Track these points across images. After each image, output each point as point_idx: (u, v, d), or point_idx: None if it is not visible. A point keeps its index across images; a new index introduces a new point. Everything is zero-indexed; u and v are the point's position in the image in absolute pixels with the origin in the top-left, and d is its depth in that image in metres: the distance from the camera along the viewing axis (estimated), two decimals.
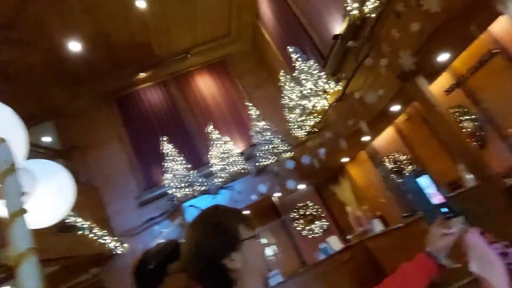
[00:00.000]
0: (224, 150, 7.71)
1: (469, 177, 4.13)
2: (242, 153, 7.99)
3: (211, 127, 7.78)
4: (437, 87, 4.76)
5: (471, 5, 3.08)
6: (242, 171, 7.64)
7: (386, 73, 3.99)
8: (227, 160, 7.66)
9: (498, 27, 3.76)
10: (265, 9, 7.98)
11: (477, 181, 3.83)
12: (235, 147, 7.96)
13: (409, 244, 5.10)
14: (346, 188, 7.60)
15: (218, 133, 7.75)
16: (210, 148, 7.74)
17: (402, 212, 6.35)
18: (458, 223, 1.06)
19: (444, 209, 1.09)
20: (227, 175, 7.59)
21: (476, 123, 4.69)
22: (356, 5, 4.13)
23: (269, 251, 7.85)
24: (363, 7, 4.08)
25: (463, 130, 4.68)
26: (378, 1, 3.97)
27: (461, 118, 4.83)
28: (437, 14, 3.00)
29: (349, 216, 7.33)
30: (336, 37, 5.16)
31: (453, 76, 4.65)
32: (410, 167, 6.40)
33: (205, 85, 9.24)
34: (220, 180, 7.61)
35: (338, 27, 5.49)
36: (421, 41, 3.35)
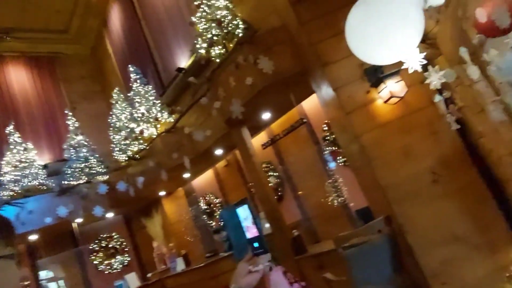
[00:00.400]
0: (23, 159, 6.44)
1: (267, 225, 4.59)
2: (46, 166, 6.83)
3: (12, 127, 6.44)
4: (257, 140, 5.30)
5: (295, 78, 3.64)
6: (41, 187, 6.48)
7: (217, 116, 4.19)
8: (24, 171, 6.39)
9: (310, 102, 4.55)
10: (115, 20, 7.51)
11: (273, 229, 4.30)
12: (39, 158, 6.76)
13: (208, 284, 5.21)
14: (157, 223, 7.36)
15: (20, 137, 6.46)
16: (5, 152, 6.35)
17: (205, 252, 6.53)
18: (265, 260, 1.06)
19: (256, 244, 1.08)
20: (19, 188, 6.29)
21: (279, 180, 5.41)
22: (204, 45, 4.31)
23: (53, 286, 6.69)
24: (210, 50, 4.28)
25: (269, 184, 5.29)
26: (224, 49, 4.25)
27: (269, 173, 5.49)
28: (268, 76, 3.38)
29: (154, 252, 7.07)
30: (179, 70, 5.23)
31: (269, 134, 5.29)
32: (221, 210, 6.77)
33: (18, 77, 7.73)
34: (8, 193, 6.23)
35: (184, 61, 5.60)
36: (251, 94, 3.70)
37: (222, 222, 6.33)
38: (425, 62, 2.26)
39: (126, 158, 6.22)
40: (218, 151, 5.53)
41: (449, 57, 2.59)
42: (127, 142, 6.19)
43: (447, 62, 2.59)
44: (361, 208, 3.95)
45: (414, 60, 2.24)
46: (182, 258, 6.37)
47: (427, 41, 2.64)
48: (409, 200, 2.74)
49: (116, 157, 6.52)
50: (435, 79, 2.30)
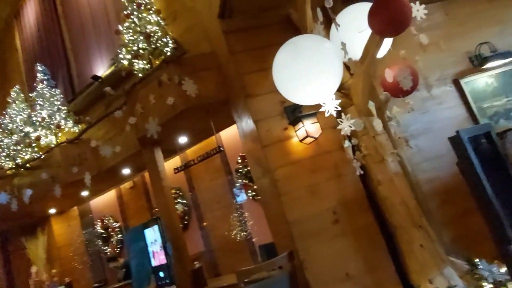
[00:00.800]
0: None
1: None
2: None
3: None
4: (169, 164, 5.09)
5: (218, 105, 3.64)
6: None
7: (130, 132, 3.95)
8: None
9: (227, 133, 4.57)
10: (30, 12, 6.83)
11: (174, 259, 4.05)
12: None
13: None
14: (41, 244, 6.46)
15: None
16: None
17: (94, 281, 5.89)
18: None
19: (161, 273, 0.93)
20: None
21: (186, 208, 5.23)
22: (128, 56, 4.10)
23: None
24: (134, 62, 4.08)
25: (176, 211, 5.07)
26: (148, 65, 4.09)
27: (177, 199, 5.27)
28: (191, 98, 3.31)
29: (32, 278, 6.16)
30: (96, 77, 4.87)
31: (183, 160, 5.14)
32: (119, 235, 6.23)
33: None
34: None
35: (102, 69, 5.26)
36: (170, 115, 3.57)
37: (123, 246, 5.83)
38: (339, 109, 2.45)
39: (14, 166, 5.43)
40: (126, 171, 5.18)
41: (359, 108, 2.84)
42: (18, 147, 5.44)
43: (357, 112, 2.83)
44: (264, 244, 3.98)
45: (330, 105, 2.40)
46: (64, 287, 5.66)
47: (342, 91, 2.87)
48: (311, 237, 2.83)
49: (1, 164, 5.67)
50: (345, 126, 2.48)
